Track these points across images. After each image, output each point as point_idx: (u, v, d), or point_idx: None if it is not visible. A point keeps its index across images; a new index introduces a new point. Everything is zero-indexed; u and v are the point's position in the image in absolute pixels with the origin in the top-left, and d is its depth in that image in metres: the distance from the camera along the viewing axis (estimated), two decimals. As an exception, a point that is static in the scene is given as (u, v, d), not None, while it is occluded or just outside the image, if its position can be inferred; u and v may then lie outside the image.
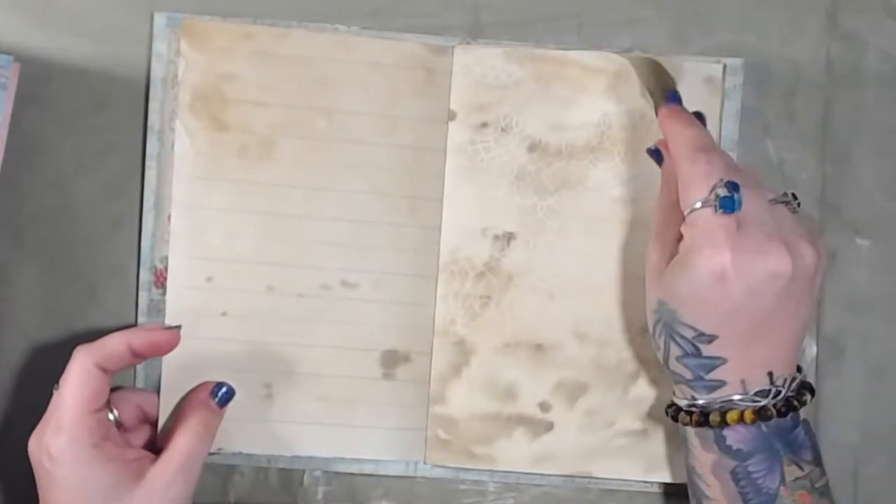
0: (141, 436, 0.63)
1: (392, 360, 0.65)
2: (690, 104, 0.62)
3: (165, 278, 0.63)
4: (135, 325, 0.64)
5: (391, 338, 0.65)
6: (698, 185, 0.56)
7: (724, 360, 0.57)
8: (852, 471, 0.67)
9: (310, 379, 0.64)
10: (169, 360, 0.63)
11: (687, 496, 0.64)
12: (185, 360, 0.62)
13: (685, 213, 0.57)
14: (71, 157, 0.64)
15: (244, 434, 0.64)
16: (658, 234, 0.60)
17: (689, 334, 0.57)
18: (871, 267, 0.67)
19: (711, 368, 0.57)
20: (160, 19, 0.64)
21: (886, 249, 0.67)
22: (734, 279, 0.55)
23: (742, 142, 0.66)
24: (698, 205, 0.56)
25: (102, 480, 0.56)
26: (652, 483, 0.66)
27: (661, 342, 0.59)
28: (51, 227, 0.64)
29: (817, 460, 0.58)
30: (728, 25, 0.67)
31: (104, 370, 0.58)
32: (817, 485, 0.58)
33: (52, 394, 0.58)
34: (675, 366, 0.59)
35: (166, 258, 0.64)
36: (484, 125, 0.64)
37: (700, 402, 0.58)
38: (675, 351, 0.58)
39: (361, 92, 0.64)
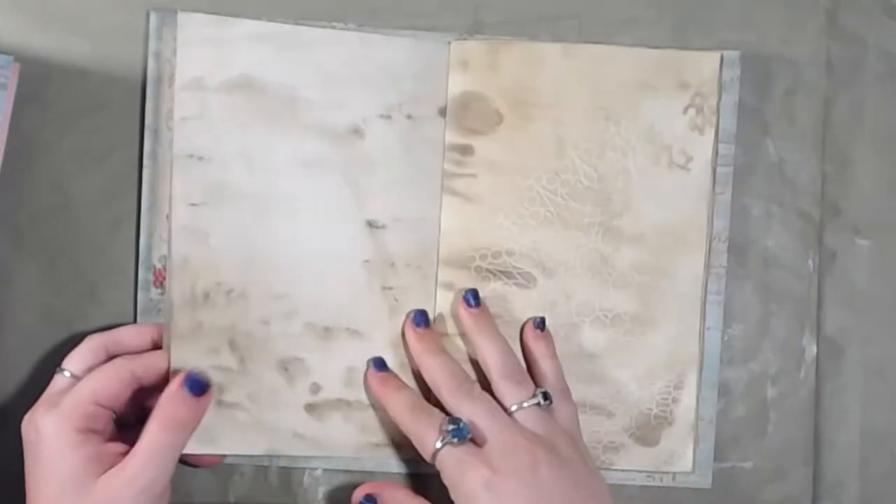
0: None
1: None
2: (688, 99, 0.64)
3: (164, 277, 0.63)
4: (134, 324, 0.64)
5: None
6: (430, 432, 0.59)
7: None
8: (853, 471, 0.67)
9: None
10: (174, 361, 0.62)
11: (688, 491, 0.64)
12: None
13: (430, 460, 0.59)
14: (71, 157, 0.64)
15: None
16: None
17: None
18: (871, 267, 0.67)
19: None
20: (156, 18, 0.64)
21: (886, 249, 0.67)
22: (495, 484, 0.57)
23: (741, 141, 0.66)
24: (438, 444, 0.58)
25: (74, 464, 0.56)
26: (654, 476, 0.66)
27: None
28: (51, 227, 0.64)
29: None
30: (728, 25, 0.67)
31: (133, 381, 0.59)
32: None
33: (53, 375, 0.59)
34: None
35: (165, 257, 0.63)
36: (480, 120, 0.65)
37: None
38: None
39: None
